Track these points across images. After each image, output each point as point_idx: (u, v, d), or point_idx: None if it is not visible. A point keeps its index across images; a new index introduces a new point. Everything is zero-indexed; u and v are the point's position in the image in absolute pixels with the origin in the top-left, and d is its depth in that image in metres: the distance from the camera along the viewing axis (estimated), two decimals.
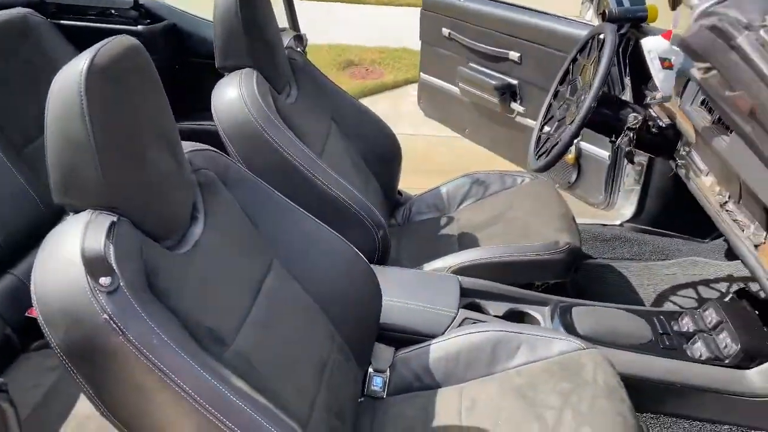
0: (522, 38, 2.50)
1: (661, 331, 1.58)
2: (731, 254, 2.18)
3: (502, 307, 1.65)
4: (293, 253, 1.20)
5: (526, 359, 1.34)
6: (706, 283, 2.09)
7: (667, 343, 1.54)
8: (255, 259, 1.16)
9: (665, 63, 1.23)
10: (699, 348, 1.52)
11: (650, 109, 1.70)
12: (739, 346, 1.47)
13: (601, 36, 1.68)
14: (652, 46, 1.22)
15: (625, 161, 2.32)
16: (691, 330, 1.58)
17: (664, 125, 1.68)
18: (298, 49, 1.97)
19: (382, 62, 5.20)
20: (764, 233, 1.27)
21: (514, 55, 2.55)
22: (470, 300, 1.63)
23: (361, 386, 1.33)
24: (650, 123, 1.70)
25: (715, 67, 0.55)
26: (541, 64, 2.47)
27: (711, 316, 1.59)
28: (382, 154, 2.05)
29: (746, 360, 1.47)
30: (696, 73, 0.63)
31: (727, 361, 1.47)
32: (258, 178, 1.22)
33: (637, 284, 2.11)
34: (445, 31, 2.77)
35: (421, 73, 3.07)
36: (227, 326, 1.00)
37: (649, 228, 2.33)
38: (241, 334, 1.01)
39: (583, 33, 2.23)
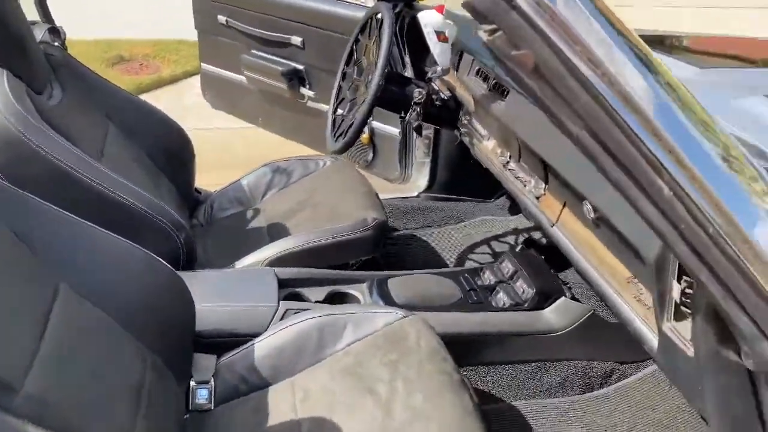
0: (302, 22, 2.49)
1: (468, 288, 1.69)
2: (515, 209, 2.42)
3: (322, 292, 1.64)
4: (81, 272, 1.05)
5: (353, 338, 1.35)
6: (497, 238, 2.29)
7: (475, 299, 1.65)
8: (36, 287, 0.99)
9: (440, 36, 1.29)
10: (501, 298, 1.66)
11: (433, 83, 1.79)
12: (534, 289, 1.63)
13: (379, 15, 1.73)
14: (428, 20, 1.28)
15: (415, 135, 2.44)
16: (492, 283, 1.71)
17: (445, 97, 1.79)
18: (56, 44, 1.74)
19: (157, 56, 4.87)
20: (543, 185, 1.41)
21: (296, 39, 2.53)
22: (290, 290, 1.59)
23: (185, 402, 1.23)
24: (434, 96, 1.79)
25: (500, 27, 0.59)
26: (324, 48, 2.48)
27: (507, 267, 1.74)
28: (171, 151, 1.91)
29: (541, 301, 1.63)
30: (483, 35, 0.67)
31: (526, 305, 1.63)
32: (26, 194, 1.05)
33: (439, 249, 2.25)
34: (222, 18, 2.65)
35: (203, 64, 2.92)
36: (13, 370, 0.84)
37: (443, 195, 2.49)
38: (30, 376, 0.86)
39: (362, 14, 2.31)
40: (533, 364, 1.65)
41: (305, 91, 2.64)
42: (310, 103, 2.68)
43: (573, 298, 1.65)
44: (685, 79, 0.59)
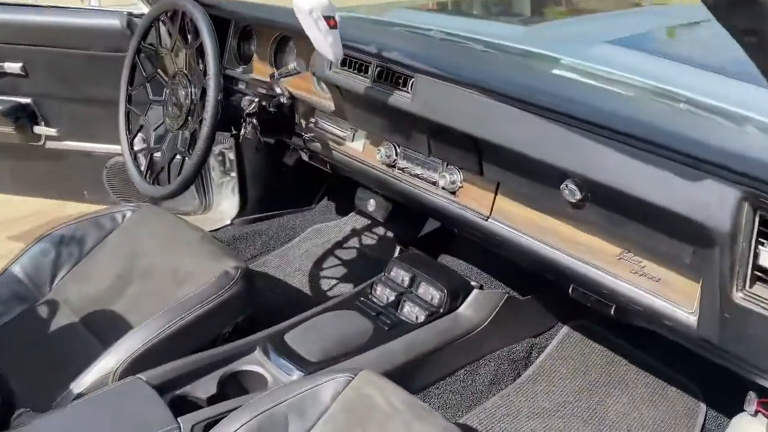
0: (19, 43, 1.89)
1: (373, 313, 1.46)
2: (342, 209, 2.22)
3: (211, 382, 1.25)
4: None
5: (304, 428, 1.03)
6: (345, 244, 2.08)
7: (388, 322, 1.43)
8: None
9: (331, 21, 1.01)
10: (412, 311, 1.47)
11: (277, 86, 1.47)
12: (444, 291, 1.47)
13: (178, 13, 1.34)
14: (312, 4, 0.98)
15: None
16: (393, 298, 1.50)
17: (284, 101, 1.48)
18: None
19: None
20: (459, 178, 1.24)
21: (13, 66, 1.92)
22: (171, 395, 1.18)
23: None
24: (264, 103, 1.48)
25: None
26: (56, 70, 1.93)
27: (400, 275, 1.55)
28: None
29: (454, 301, 1.48)
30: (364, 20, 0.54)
31: (441, 310, 1.46)
32: None
33: (289, 277, 1.95)
34: None
35: None
36: None
37: (261, 215, 2.16)
38: None
39: (99, 21, 1.83)
40: (461, 371, 1.50)
41: (41, 129, 2.03)
42: (50, 144, 2.08)
43: (481, 287, 1.54)
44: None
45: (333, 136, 1.50)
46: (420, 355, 1.40)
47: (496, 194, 1.19)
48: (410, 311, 1.47)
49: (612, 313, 1.16)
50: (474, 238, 1.38)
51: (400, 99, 1.17)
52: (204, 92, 1.27)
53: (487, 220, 1.21)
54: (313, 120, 1.53)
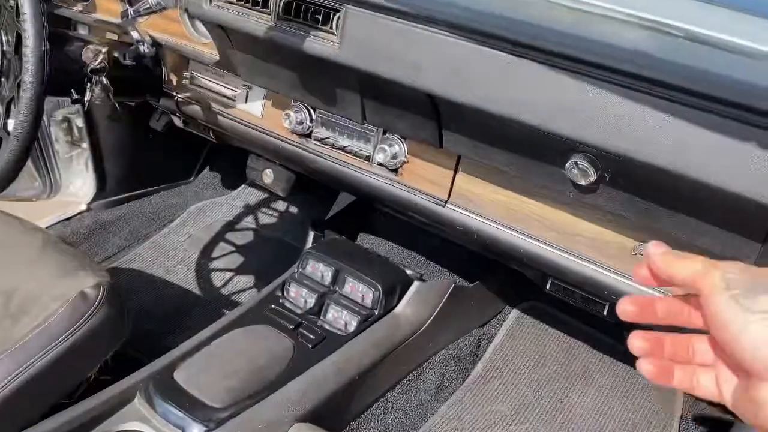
0: None
1: (291, 326, 1.13)
2: (229, 181, 1.83)
3: None
4: None
5: None
6: (244, 226, 1.70)
7: (312, 337, 1.11)
8: None
9: None
10: (341, 316, 1.16)
11: (133, 30, 1.04)
12: (378, 288, 1.17)
13: None
14: None
15: (48, 123, 1.59)
16: (312, 300, 1.18)
17: (146, 50, 1.07)
18: None
19: None
20: (404, 150, 0.92)
21: None
22: None
23: None
24: (117, 55, 1.06)
25: None
26: None
27: (320, 270, 1.23)
28: None
29: (391, 298, 1.19)
30: None
31: (377, 312, 1.17)
32: None
33: (182, 271, 1.55)
34: None
35: None
36: None
37: (125, 195, 1.72)
38: None
39: None
40: (403, 381, 1.23)
41: None
42: None
43: (422, 278, 1.26)
44: None
45: (217, 97, 1.12)
46: (356, 375, 1.10)
47: (455, 171, 0.89)
48: (337, 317, 1.16)
49: (605, 313, 0.92)
50: (423, 226, 1.08)
51: (320, 44, 0.81)
52: (19, 42, 0.85)
53: (444, 206, 0.91)
54: (187, 75, 1.13)
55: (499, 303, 1.40)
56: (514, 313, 1.41)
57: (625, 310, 0.47)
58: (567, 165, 0.70)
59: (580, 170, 0.69)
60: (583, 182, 0.70)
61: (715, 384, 0.46)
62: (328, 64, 0.83)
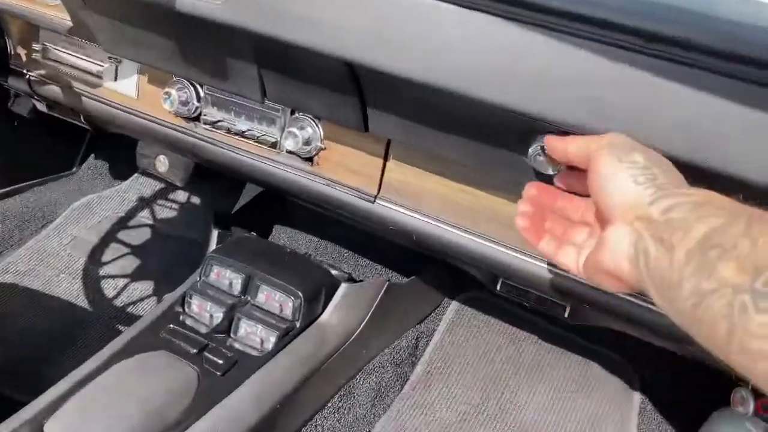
0: None
1: (194, 350, 0.93)
2: (121, 171, 1.58)
3: None
4: None
5: None
6: (125, 224, 1.46)
7: (221, 362, 0.92)
8: None
9: None
10: (254, 334, 0.97)
11: None
12: (299, 295, 0.98)
13: None
14: None
15: None
16: (220, 315, 0.99)
17: None
18: None
19: None
20: (319, 134, 0.73)
21: None
22: None
23: None
24: None
25: None
26: None
27: (224, 276, 1.03)
28: None
29: (315, 305, 1.02)
30: None
31: (299, 323, 0.99)
32: None
33: (65, 283, 1.31)
34: None
35: None
36: None
37: None
38: None
39: None
40: (335, 398, 1.07)
41: None
42: None
43: (351, 278, 1.08)
44: None
45: (79, 73, 0.88)
46: (278, 402, 0.92)
47: (385, 159, 0.71)
48: (251, 334, 0.98)
49: (566, 315, 0.78)
50: (347, 221, 0.90)
51: (199, 1, 0.60)
52: None
53: (374, 202, 0.73)
54: (38, 47, 0.89)
55: (438, 296, 1.25)
56: (454, 305, 1.26)
57: (530, 192, 0.57)
58: (530, 151, 0.54)
59: (547, 159, 0.53)
60: (550, 171, 0.54)
61: (575, 257, 0.53)
62: (211, 26, 0.62)
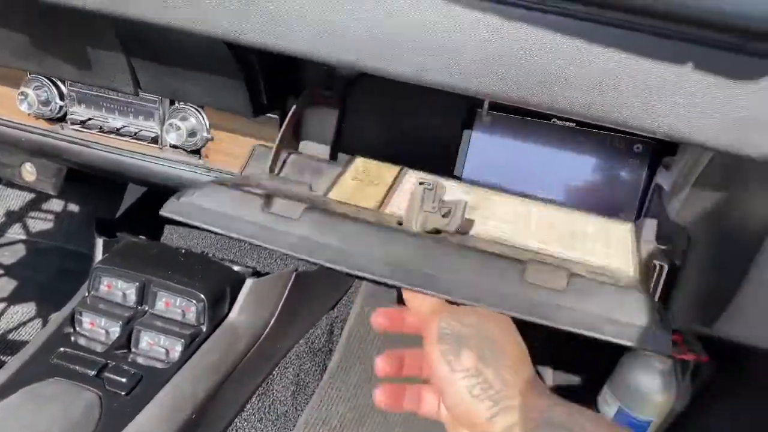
0: None
1: (90, 372, 0.85)
2: None
3: None
4: None
5: None
6: (14, 243, 1.32)
7: (123, 380, 0.85)
8: None
9: None
10: (157, 345, 0.91)
11: None
12: (203, 296, 0.93)
13: None
14: None
15: None
16: (116, 330, 0.91)
17: None
18: None
19: None
20: (203, 123, 0.67)
21: None
22: None
23: None
24: None
25: None
26: None
27: (116, 287, 0.95)
28: None
29: (221, 305, 0.96)
30: None
31: (204, 327, 0.93)
32: None
33: None
34: None
35: None
36: None
37: None
38: None
39: None
40: (253, 399, 1.02)
41: None
42: None
43: (256, 272, 1.03)
44: None
45: None
46: (192, 414, 0.87)
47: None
48: (154, 345, 0.91)
49: None
50: None
51: None
52: None
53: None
54: None
55: (348, 279, 1.23)
56: (365, 287, 1.25)
57: (377, 321, 0.55)
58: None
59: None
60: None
61: (436, 405, 0.53)
62: (67, 12, 0.54)
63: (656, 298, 0.55)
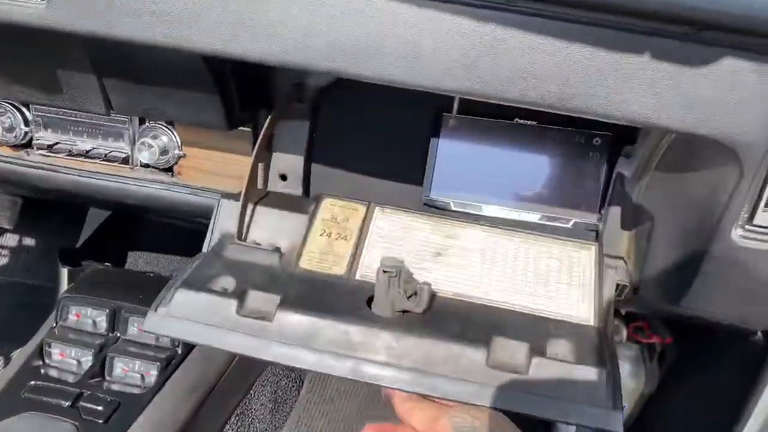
0: None
1: (65, 403, 0.83)
2: None
3: None
4: None
5: None
6: None
7: (99, 409, 0.83)
8: None
9: None
10: (132, 370, 0.89)
11: None
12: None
13: None
14: None
15: None
16: (89, 359, 0.89)
17: None
18: None
19: None
20: (174, 141, 0.68)
21: None
22: None
23: None
24: None
25: None
26: None
27: (86, 315, 0.93)
28: None
29: None
30: None
31: (180, 349, 0.92)
32: None
33: None
34: None
35: None
36: None
37: None
38: None
39: None
40: (232, 418, 1.01)
41: None
42: None
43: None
44: None
45: None
46: None
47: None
48: (129, 372, 0.89)
49: None
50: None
51: (17, 4, 0.52)
52: None
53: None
54: None
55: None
56: None
57: None
58: None
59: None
60: None
61: None
62: (34, 33, 0.54)
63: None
